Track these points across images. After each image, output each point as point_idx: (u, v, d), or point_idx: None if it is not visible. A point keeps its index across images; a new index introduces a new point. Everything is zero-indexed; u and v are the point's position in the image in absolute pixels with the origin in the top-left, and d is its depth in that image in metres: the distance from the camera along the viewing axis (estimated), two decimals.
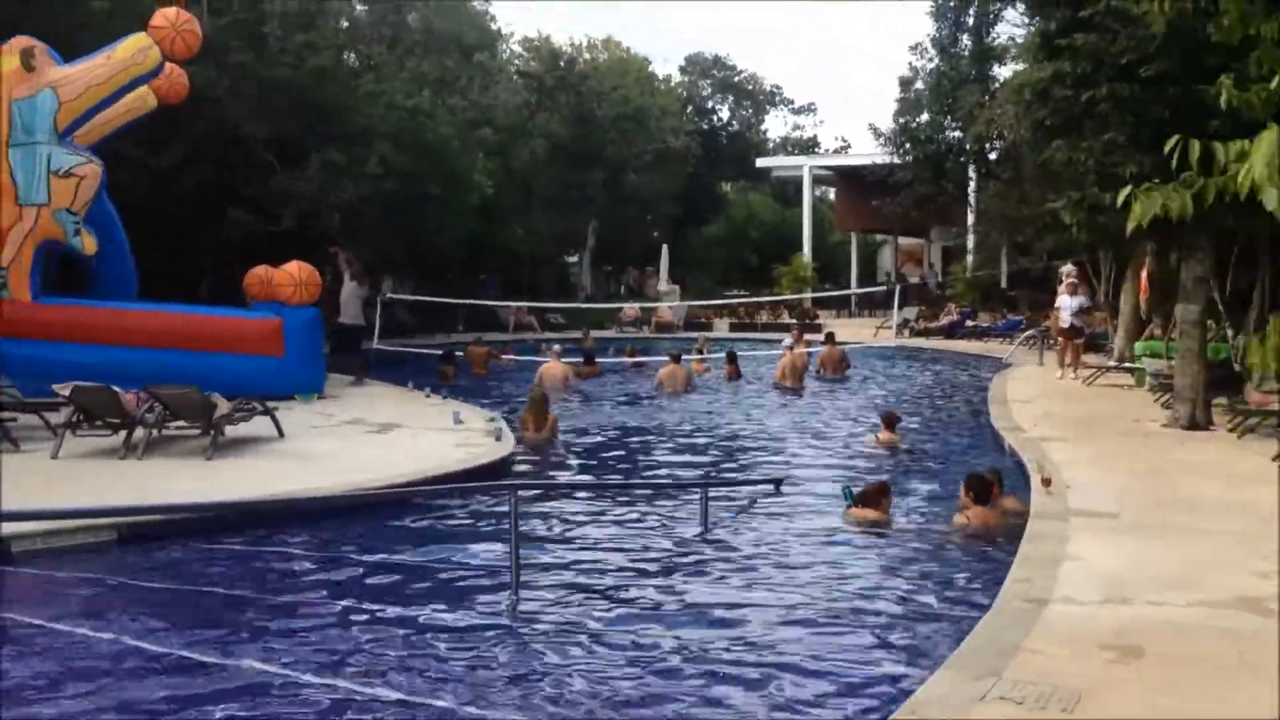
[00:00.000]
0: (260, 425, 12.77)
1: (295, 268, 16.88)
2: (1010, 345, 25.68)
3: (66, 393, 11.61)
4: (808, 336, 26.45)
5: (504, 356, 24.45)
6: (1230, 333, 16.35)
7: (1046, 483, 9.50)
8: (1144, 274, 19.63)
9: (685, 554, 8.79)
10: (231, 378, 14.40)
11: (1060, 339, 20.21)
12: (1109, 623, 5.93)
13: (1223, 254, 15.21)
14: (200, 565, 8.09)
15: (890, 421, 13.93)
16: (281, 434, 12.70)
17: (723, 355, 23.03)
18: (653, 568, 8.34)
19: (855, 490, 9.99)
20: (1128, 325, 20.92)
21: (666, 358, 20.69)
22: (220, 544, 8.53)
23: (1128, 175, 11.93)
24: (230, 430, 12.23)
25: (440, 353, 22.96)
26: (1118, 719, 4.69)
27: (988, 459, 11.97)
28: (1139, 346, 19.10)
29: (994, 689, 4.93)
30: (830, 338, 23.95)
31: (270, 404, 13.01)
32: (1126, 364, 19.14)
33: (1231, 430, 12.58)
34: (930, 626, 6.80)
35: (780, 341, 23.60)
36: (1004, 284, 35.31)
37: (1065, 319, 19.64)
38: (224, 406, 11.96)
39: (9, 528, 7.86)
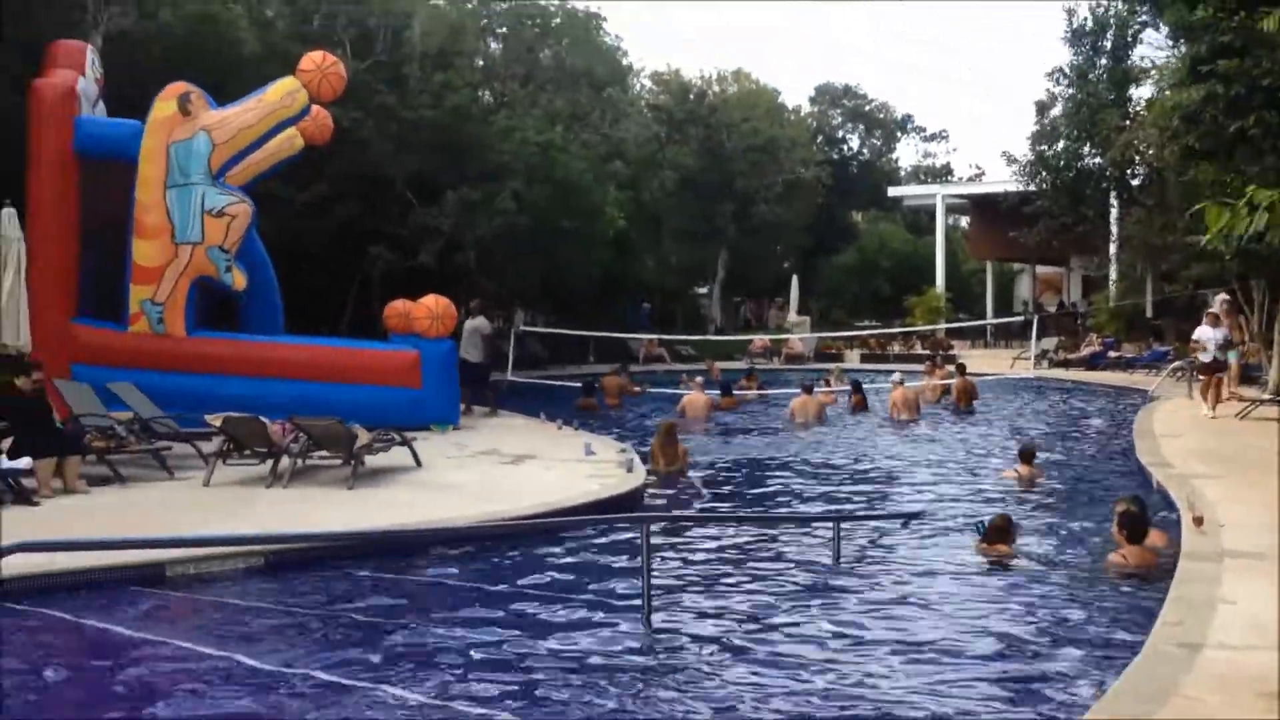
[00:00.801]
0: (399, 455, 13.09)
1: (432, 301, 17.29)
2: (1156, 377, 24.78)
3: (218, 423, 12.09)
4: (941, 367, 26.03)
5: (636, 388, 24.59)
6: None
7: (1199, 521, 9.12)
8: None
9: (817, 587, 8.69)
10: (371, 409, 14.81)
11: (1201, 375, 18.98)
12: (1266, 669, 5.66)
13: None
14: (342, 592, 8.31)
15: (1028, 455, 13.57)
16: (419, 464, 13.00)
17: (849, 386, 22.89)
18: (784, 600, 8.26)
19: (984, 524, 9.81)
20: None
21: (799, 389, 20.70)
22: (361, 571, 8.75)
23: None
24: (370, 460, 12.56)
25: (580, 385, 23.24)
26: None
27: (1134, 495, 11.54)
28: None
29: None
30: (961, 369, 23.53)
31: (408, 435, 13.33)
32: None
33: None
34: (1073, 668, 6.57)
35: (890, 374, 23.31)
36: (1149, 313, 34.14)
37: (1207, 353, 18.52)
38: (364, 437, 12.30)
39: (166, 554, 8.22)
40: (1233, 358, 19.42)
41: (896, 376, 21.86)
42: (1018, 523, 10.13)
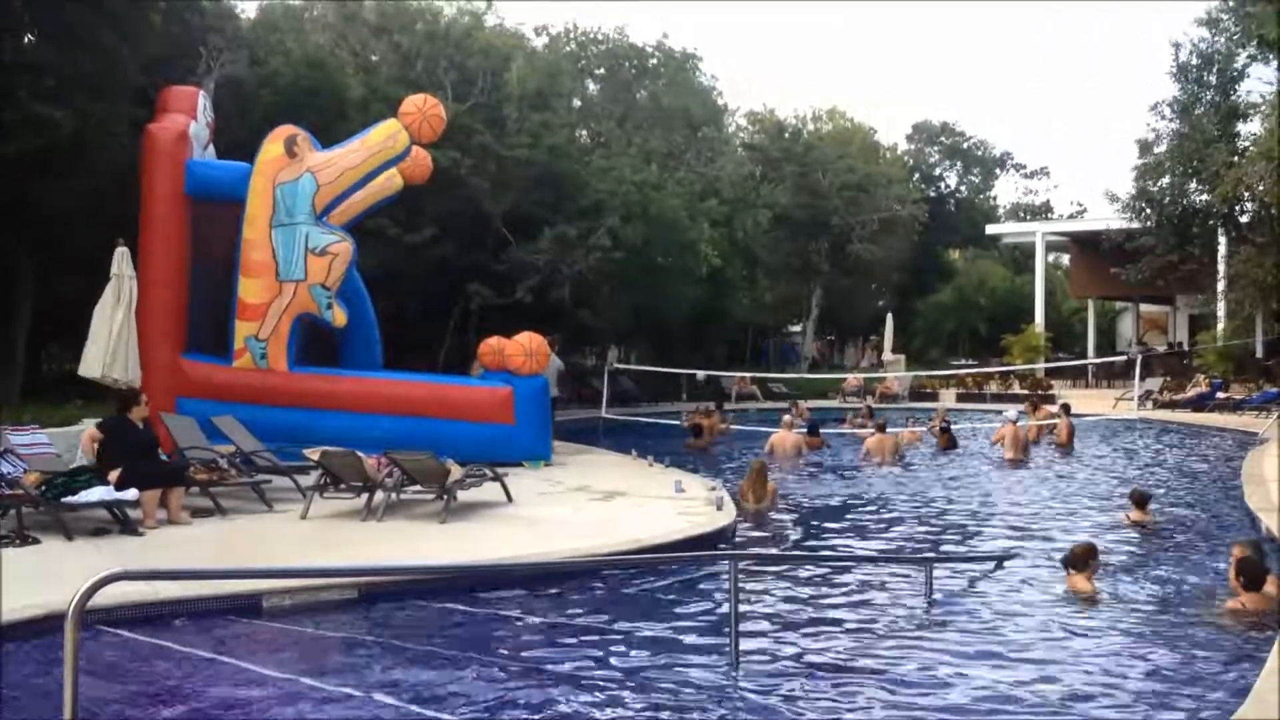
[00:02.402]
0: (491, 490, 13.22)
1: (526, 338, 17.48)
2: (1267, 419, 23.95)
3: (316, 457, 12.35)
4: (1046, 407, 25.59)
5: (724, 426, 24.55)
6: None
7: None
8: None
9: (908, 629, 8.55)
10: (465, 444, 14.99)
11: None
12: None
13: None
14: (434, 625, 8.40)
15: (1141, 501, 13.19)
16: (510, 499, 13.12)
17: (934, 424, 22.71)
18: (874, 642, 8.15)
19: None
20: None
21: (895, 428, 20.69)
22: (454, 604, 8.84)
23: None
24: (462, 495, 12.70)
25: (687, 424, 23.33)
26: None
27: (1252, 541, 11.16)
28: None
29: None
30: (1066, 409, 23.10)
31: (500, 470, 13.47)
32: None
33: None
34: (1175, 717, 6.37)
35: (1002, 412, 22.93)
36: (1259, 353, 33.06)
37: None
38: (457, 472, 12.45)
39: (263, 582, 8.41)
40: None
41: (1011, 414, 21.52)
42: (1102, 554, 9.95)
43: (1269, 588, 8.71)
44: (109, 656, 7.30)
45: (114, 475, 11.07)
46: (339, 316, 16.57)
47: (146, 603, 7.92)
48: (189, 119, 16.79)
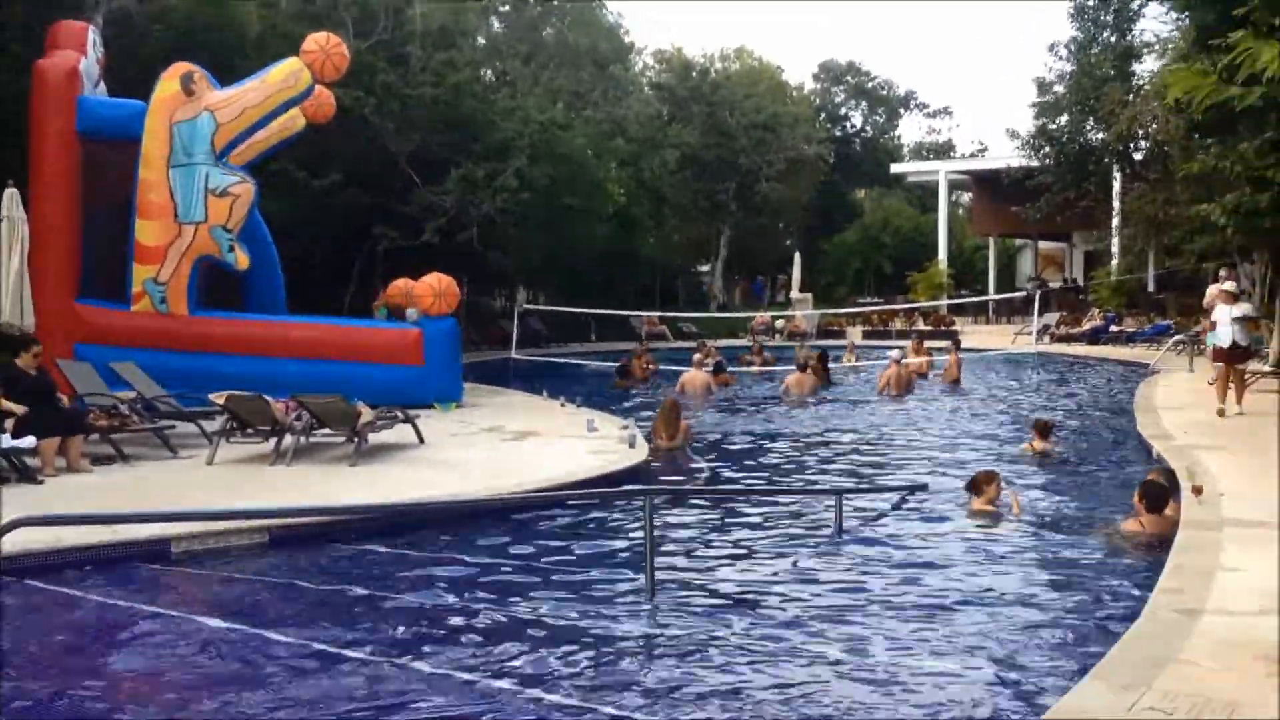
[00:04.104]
0: (402, 433, 13.13)
1: (435, 279, 17.31)
2: (1158, 351, 24.78)
3: (222, 401, 12.12)
4: (930, 344, 26.17)
5: (652, 366, 24.62)
6: None
7: (1198, 491, 9.16)
8: None
9: (819, 560, 8.74)
10: (374, 387, 14.84)
11: (1220, 363, 15.10)
12: (1265, 634, 5.70)
13: None
14: (344, 567, 8.35)
15: (1044, 430, 13.57)
16: (422, 441, 13.05)
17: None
18: (787, 573, 8.32)
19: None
20: None
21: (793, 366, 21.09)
22: (364, 547, 8.81)
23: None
24: (373, 437, 12.60)
25: (617, 365, 23.31)
26: None
27: (1136, 468, 11.61)
28: None
29: (1143, 699, 4.78)
30: (956, 344, 23.74)
31: (411, 412, 13.37)
32: None
33: None
34: (1074, 636, 6.63)
35: (888, 351, 23.38)
36: (1151, 287, 34.12)
37: (1224, 335, 14.81)
38: (367, 415, 12.33)
39: (170, 527, 8.27)
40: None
41: (894, 354, 21.95)
42: (1006, 480, 10.33)
43: (1168, 512, 9.05)
44: (13, 605, 7.14)
45: (9, 422, 10.75)
46: (241, 259, 16.19)
47: (50, 550, 7.75)
48: (79, 55, 16.15)
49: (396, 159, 25.14)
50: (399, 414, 13.13)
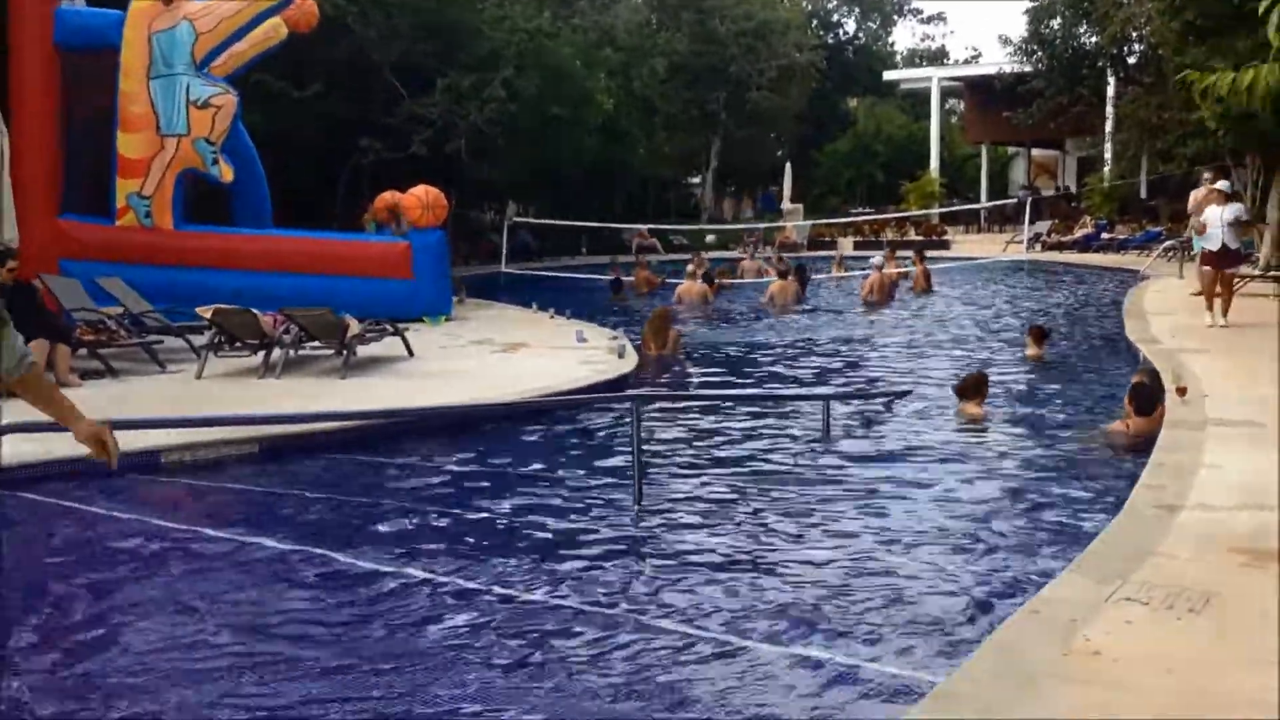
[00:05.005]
0: (391, 346, 13.14)
1: (422, 191, 17.18)
2: (1149, 258, 24.77)
3: (209, 315, 12.10)
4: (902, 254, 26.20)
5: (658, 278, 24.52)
6: None
7: (1181, 391, 9.22)
8: None
9: (807, 464, 8.81)
10: (363, 301, 14.75)
11: (1208, 267, 14.37)
12: (1243, 528, 5.78)
13: None
14: (336, 476, 8.42)
15: (1039, 335, 13.58)
16: (411, 353, 13.05)
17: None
18: (774, 479, 8.39)
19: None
20: (1275, 233, 19.91)
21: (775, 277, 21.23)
22: (355, 456, 8.86)
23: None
24: (362, 350, 12.60)
25: (610, 279, 23.23)
26: (1244, 617, 4.60)
27: (1124, 372, 11.66)
28: None
29: (1120, 590, 4.86)
30: (920, 255, 23.74)
31: (400, 325, 13.36)
32: (1273, 273, 18.19)
33: None
34: (1059, 533, 6.72)
35: (869, 259, 23.34)
36: (1143, 194, 33.97)
37: (1215, 237, 14.10)
38: (355, 327, 12.31)
39: (160, 439, 8.31)
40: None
41: (877, 260, 21.93)
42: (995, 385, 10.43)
43: (1156, 414, 9.12)
44: (7, 516, 7.19)
45: None
46: (226, 172, 16.03)
47: (40, 462, 7.77)
48: None
49: (381, 68, 24.76)
50: (388, 326, 13.12)
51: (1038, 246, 30.27)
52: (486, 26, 26.63)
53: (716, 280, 22.40)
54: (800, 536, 6.82)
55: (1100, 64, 32.65)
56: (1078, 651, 4.27)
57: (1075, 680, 4.04)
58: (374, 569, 6.23)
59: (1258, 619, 4.60)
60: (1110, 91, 33.14)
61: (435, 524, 7.23)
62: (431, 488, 8.27)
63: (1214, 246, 14.13)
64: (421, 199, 17.05)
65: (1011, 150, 48.89)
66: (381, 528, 7.12)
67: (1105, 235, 30.45)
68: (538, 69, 26.78)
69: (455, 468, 8.77)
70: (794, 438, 9.75)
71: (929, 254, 25.33)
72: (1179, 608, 4.67)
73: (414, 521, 7.27)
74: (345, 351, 12.05)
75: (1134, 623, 4.54)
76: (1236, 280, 15.11)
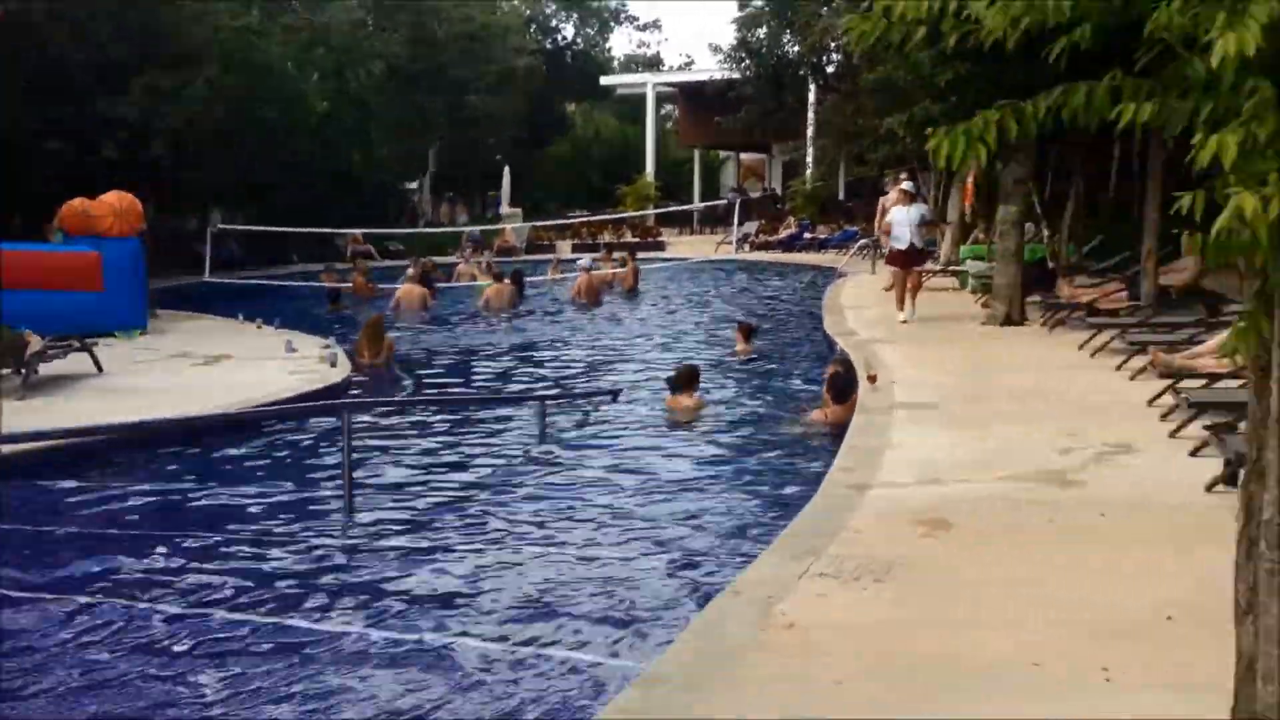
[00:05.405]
0: (79, 362, 12.20)
1: (115, 197, 16.11)
2: (845, 255, 26.24)
3: None
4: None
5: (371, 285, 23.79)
6: (1046, 233, 17.01)
7: (872, 379, 9.80)
8: (969, 180, 19.97)
9: (522, 466, 8.82)
10: (45, 315, 13.58)
11: (892, 265, 15.06)
12: (921, 501, 6.18)
13: (1041, 160, 15.74)
14: (21, 502, 7.70)
15: (748, 332, 14.10)
16: (100, 369, 12.16)
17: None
18: (490, 481, 8.35)
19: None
20: (954, 231, 21.49)
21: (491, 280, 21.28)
22: (43, 480, 8.14)
23: (942, 84, 12.37)
24: (45, 368, 11.63)
25: (327, 287, 22.35)
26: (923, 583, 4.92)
27: (824, 363, 12.28)
28: (964, 250, 19.39)
29: (813, 566, 5.10)
30: (631, 255, 24.31)
31: (89, 340, 12.46)
32: (952, 267, 19.58)
33: (1044, 324, 13.14)
34: (763, 518, 6.99)
35: (576, 261, 23.73)
36: (841, 195, 35.96)
37: (902, 237, 14.47)
38: (35, 344, 11.38)
39: None
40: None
41: (585, 262, 22.26)
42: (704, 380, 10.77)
43: (852, 400, 9.63)
44: None
45: None
46: None
47: None
48: None
49: (69, 67, 23.05)
50: (74, 342, 12.20)
51: (746, 246, 31.48)
52: (188, 24, 25.25)
53: (431, 276, 22.08)
54: (515, 537, 6.80)
55: (802, 72, 34.31)
56: (775, 625, 4.46)
57: (773, 651, 4.24)
58: (62, 597, 5.78)
59: (934, 584, 4.94)
60: (811, 98, 34.88)
61: (130, 544, 6.75)
62: (125, 507, 7.71)
63: (902, 246, 14.57)
64: (114, 205, 15.98)
65: (723, 154, 50.76)
66: (66, 552, 6.63)
67: (808, 235, 32.05)
68: (245, 68, 25.65)
69: (150, 485, 8.22)
70: (510, 440, 9.73)
71: (643, 255, 25.90)
72: (865, 579, 4.94)
73: (106, 544, 6.77)
74: (25, 370, 11.12)
75: (826, 595, 4.78)
76: (924, 274, 16.31)
